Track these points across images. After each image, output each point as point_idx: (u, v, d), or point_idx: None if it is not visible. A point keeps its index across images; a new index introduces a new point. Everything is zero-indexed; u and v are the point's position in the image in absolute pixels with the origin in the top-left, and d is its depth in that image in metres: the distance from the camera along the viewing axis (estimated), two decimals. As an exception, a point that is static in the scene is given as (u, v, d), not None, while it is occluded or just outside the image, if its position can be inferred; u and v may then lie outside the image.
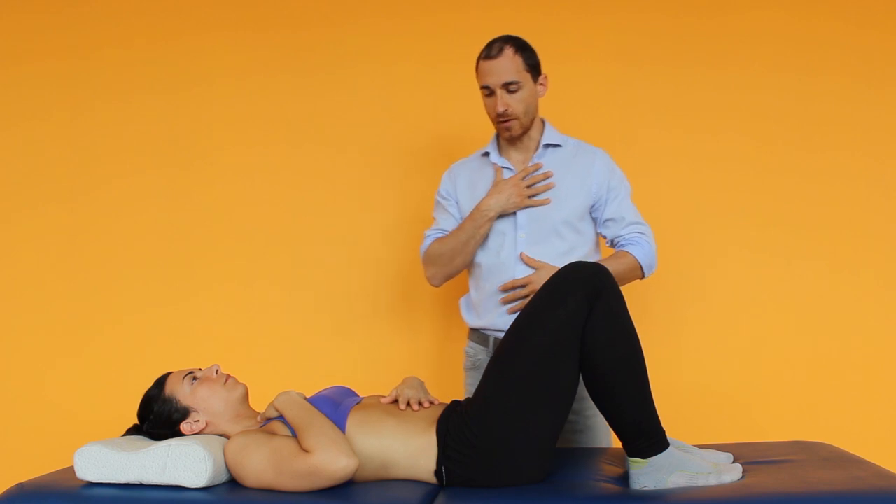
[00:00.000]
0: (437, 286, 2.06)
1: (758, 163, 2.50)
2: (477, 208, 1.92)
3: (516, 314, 1.63)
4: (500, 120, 1.90)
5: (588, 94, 2.54)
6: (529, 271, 1.90)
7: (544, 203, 1.90)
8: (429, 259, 2.01)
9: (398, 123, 2.60)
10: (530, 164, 1.96)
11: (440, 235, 2.02)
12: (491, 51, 1.88)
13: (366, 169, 2.61)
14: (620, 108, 2.55)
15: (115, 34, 2.69)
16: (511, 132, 1.92)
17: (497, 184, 1.92)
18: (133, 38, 2.69)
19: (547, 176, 1.91)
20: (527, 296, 1.86)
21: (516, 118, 1.89)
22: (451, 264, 1.97)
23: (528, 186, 1.90)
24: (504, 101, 1.86)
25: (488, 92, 1.89)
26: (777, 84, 2.51)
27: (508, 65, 1.86)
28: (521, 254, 1.90)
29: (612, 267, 1.77)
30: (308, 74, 2.64)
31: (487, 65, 1.88)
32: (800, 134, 2.49)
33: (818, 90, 2.49)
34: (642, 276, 1.96)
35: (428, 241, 2.03)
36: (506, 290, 1.90)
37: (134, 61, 2.69)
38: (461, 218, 2.02)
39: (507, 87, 1.86)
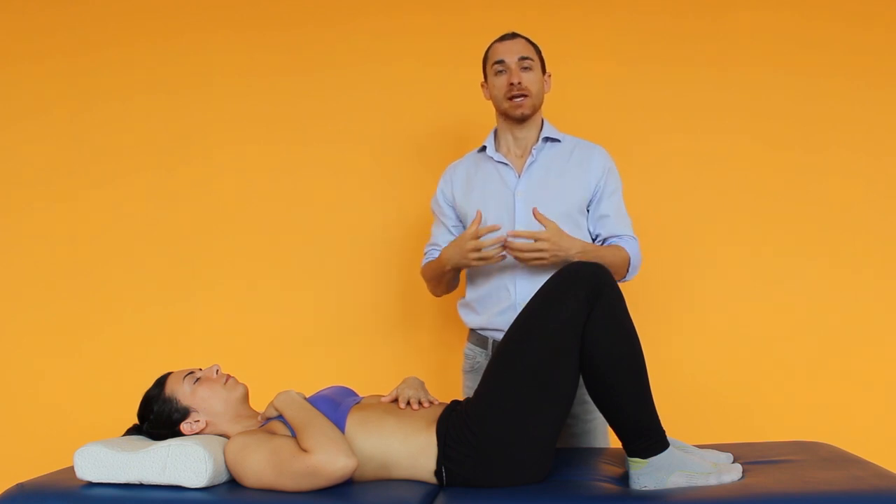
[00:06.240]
0: (438, 297, 2.14)
1: (758, 163, 2.50)
2: (441, 254, 1.92)
3: (515, 313, 1.60)
4: (514, 94, 1.91)
5: (588, 94, 2.54)
6: (530, 270, 1.87)
7: (499, 260, 1.80)
8: (424, 279, 2.10)
9: (398, 123, 2.60)
10: (530, 157, 1.95)
11: (433, 254, 2.04)
12: (506, 35, 1.97)
13: (366, 169, 2.61)
14: (620, 109, 2.55)
15: (115, 34, 2.70)
16: (522, 109, 1.92)
17: (460, 236, 1.85)
18: (133, 38, 2.69)
19: (500, 241, 1.77)
20: (530, 252, 1.74)
21: (529, 94, 1.91)
22: (437, 291, 2.07)
23: (478, 250, 1.78)
24: (519, 74, 1.90)
25: (502, 68, 1.92)
26: (778, 84, 2.51)
27: (524, 45, 1.95)
28: (533, 209, 1.78)
29: (608, 256, 1.82)
30: (308, 74, 2.64)
31: (503, 44, 1.95)
32: (800, 134, 2.49)
33: (819, 90, 2.49)
34: (624, 276, 1.94)
35: (424, 261, 2.09)
36: (515, 236, 1.75)
37: (134, 61, 2.69)
38: (457, 221, 2.04)
39: (522, 61, 1.91)
